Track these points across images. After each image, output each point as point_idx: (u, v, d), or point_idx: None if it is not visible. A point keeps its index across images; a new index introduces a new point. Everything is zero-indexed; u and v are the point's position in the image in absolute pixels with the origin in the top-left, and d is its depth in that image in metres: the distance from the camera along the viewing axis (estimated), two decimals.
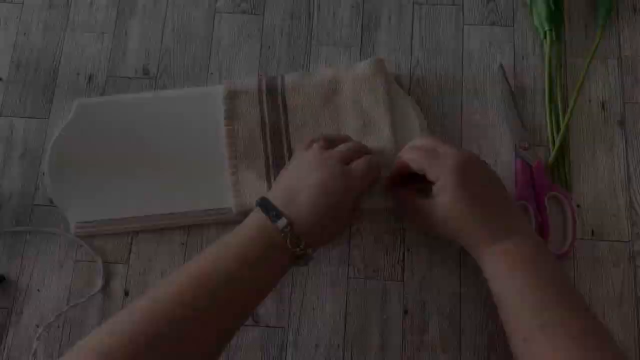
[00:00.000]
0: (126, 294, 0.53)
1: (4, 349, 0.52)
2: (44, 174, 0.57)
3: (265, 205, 0.44)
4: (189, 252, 0.54)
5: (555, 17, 0.59)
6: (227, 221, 0.55)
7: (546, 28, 0.58)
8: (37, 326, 0.52)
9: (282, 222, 0.43)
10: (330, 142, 0.49)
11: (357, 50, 0.61)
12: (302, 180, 0.45)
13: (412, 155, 0.47)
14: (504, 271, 0.43)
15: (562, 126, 0.56)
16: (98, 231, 0.54)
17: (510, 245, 0.43)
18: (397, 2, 0.62)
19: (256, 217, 0.45)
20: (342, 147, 0.48)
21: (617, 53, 0.60)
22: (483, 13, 0.61)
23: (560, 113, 0.57)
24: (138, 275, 0.54)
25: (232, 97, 0.56)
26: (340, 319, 0.53)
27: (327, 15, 0.62)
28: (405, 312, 0.53)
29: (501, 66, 0.58)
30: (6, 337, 0.52)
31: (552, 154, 0.56)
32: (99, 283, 0.53)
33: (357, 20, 0.61)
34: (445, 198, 0.44)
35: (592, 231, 0.54)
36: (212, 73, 0.60)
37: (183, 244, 0.55)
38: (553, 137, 0.56)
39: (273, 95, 0.56)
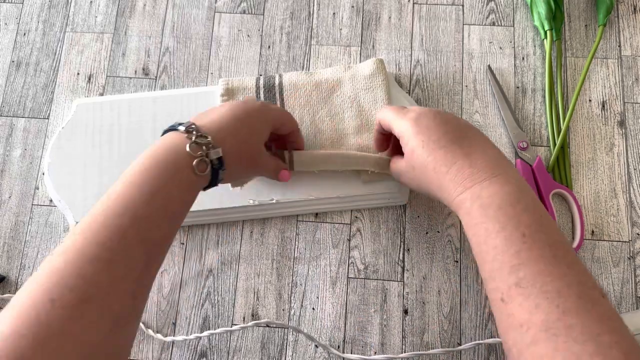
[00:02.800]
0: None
1: None
2: (44, 174, 0.57)
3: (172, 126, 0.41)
4: (189, 252, 0.54)
5: (556, 16, 0.59)
6: (226, 221, 0.55)
7: (546, 28, 0.58)
8: None
9: (186, 123, 0.40)
10: None
11: (357, 50, 0.61)
12: (221, 106, 0.44)
13: (382, 114, 0.47)
14: (476, 220, 0.37)
15: (563, 126, 0.56)
16: None
17: (482, 189, 0.38)
18: (397, 2, 0.62)
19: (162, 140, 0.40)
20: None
21: (617, 53, 0.59)
22: (483, 13, 0.61)
23: (561, 113, 0.57)
24: None
25: (229, 94, 0.56)
26: (340, 319, 0.53)
27: (327, 15, 0.62)
28: (405, 312, 0.53)
29: (489, 68, 0.58)
30: None
31: (553, 153, 0.56)
32: None
33: (357, 20, 0.61)
34: (407, 149, 0.43)
35: (592, 231, 0.54)
36: (212, 73, 0.60)
37: (183, 244, 0.55)
38: (553, 137, 0.56)
39: (271, 93, 0.56)
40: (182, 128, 0.39)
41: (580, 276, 0.34)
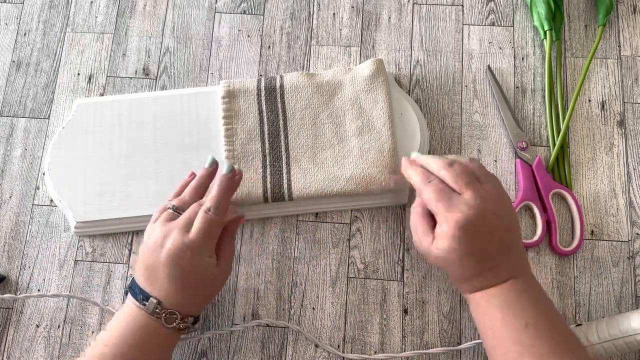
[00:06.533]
0: (126, 294, 0.53)
1: (4, 348, 0.52)
2: (44, 174, 0.57)
3: (132, 287, 0.45)
4: None
5: (555, 17, 0.59)
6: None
7: (546, 28, 0.59)
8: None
9: (150, 303, 0.44)
10: (183, 202, 0.47)
11: (357, 50, 0.61)
12: (155, 258, 0.45)
13: (428, 193, 0.44)
14: (479, 317, 0.44)
15: (562, 126, 0.56)
16: (98, 231, 0.55)
17: (486, 294, 0.43)
18: (397, 2, 0.62)
19: (128, 303, 0.46)
20: (188, 211, 0.46)
21: (617, 53, 0.60)
22: (483, 13, 0.61)
23: (560, 113, 0.57)
24: None
25: (230, 96, 0.56)
26: (340, 318, 0.53)
27: (327, 15, 0.62)
28: (405, 312, 0.53)
29: (489, 68, 0.59)
30: (6, 337, 0.52)
31: (552, 154, 0.56)
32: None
33: (357, 21, 0.62)
34: (442, 244, 0.44)
35: (592, 231, 0.54)
36: (212, 73, 0.60)
37: None
38: (553, 137, 0.57)
39: (272, 95, 0.56)
40: (150, 308, 0.44)
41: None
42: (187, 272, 0.45)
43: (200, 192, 0.49)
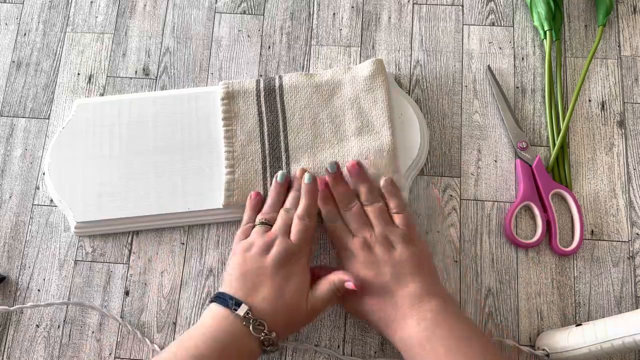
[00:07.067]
0: (126, 293, 0.54)
1: (4, 348, 0.52)
2: (44, 174, 0.57)
3: (221, 296, 0.46)
4: (189, 252, 0.55)
5: (555, 17, 0.59)
6: (226, 221, 0.55)
7: (546, 28, 0.59)
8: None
9: (242, 308, 0.44)
10: (270, 216, 0.51)
11: (357, 50, 0.61)
12: (259, 265, 0.47)
13: (330, 233, 0.52)
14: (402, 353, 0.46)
15: (562, 126, 0.56)
16: (98, 231, 0.55)
17: (399, 336, 0.46)
18: (397, 2, 0.62)
19: (213, 312, 0.45)
20: (281, 221, 0.50)
21: (617, 53, 0.60)
22: (483, 13, 0.61)
23: (560, 113, 0.57)
24: (138, 275, 0.54)
25: (229, 98, 0.56)
26: (340, 318, 0.53)
27: (327, 15, 0.62)
28: None
29: (489, 68, 0.59)
30: (6, 337, 0.52)
31: (552, 154, 0.56)
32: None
33: (357, 21, 0.62)
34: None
35: (592, 231, 0.54)
36: (212, 73, 0.60)
37: (183, 244, 0.55)
38: (553, 137, 0.57)
39: (271, 95, 0.56)
40: (240, 313, 0.44)
41: None
42: (289, 276, 0.47)
43: (280, 205, 0.52)
